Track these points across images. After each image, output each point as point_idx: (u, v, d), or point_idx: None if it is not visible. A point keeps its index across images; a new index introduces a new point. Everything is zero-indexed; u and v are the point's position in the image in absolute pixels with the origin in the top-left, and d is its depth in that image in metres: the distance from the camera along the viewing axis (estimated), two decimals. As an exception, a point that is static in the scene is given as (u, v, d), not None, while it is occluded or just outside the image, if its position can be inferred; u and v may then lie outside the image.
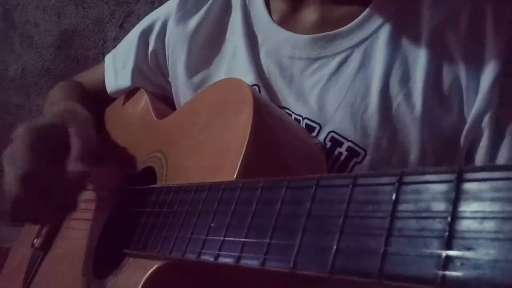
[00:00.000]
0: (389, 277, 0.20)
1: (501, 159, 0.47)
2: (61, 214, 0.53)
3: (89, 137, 0.55)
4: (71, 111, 0.60)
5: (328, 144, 0.51)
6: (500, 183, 0.18)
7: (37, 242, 0.66)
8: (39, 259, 0.67)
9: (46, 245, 0.66)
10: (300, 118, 0.53)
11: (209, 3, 0.64)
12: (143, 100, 0.71)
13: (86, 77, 0.83)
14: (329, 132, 0.51)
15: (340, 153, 0.50)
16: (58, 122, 0.54)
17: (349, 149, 0.50)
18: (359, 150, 0.50)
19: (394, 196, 0.21)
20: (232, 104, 0.48)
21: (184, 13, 0.65)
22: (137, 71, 0.71)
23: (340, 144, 0.50)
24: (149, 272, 0.42)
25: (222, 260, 0.32)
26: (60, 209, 0.52)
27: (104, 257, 0.55)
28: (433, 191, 0.20)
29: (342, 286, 0.24)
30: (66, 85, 0.80)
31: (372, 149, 0.49)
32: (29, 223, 0.63)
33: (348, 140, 0.50)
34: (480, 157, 0.48)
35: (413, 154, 0.49)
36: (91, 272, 0.55)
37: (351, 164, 0.50)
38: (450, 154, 0.49)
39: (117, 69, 0.74)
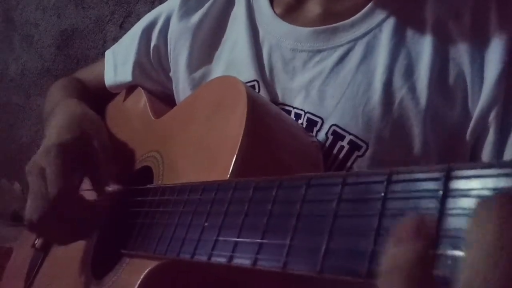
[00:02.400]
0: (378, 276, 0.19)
1: (507, 156, 0.46)
2: (78, 239, 0.55)
3: (108, 147, 0.58)
4: (85, 118, 0.61)
5: (330, 137, 0.50)
6: (488, 180, 0.18)
7: (37, 242, 0.66)
8: (40, 260, 0.68)
9: (47, 246, 0.67)
10: (302, 113, 0.53)
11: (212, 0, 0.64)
12: (141, 99, 0.71)
13: (86, 74, 0.83)
14: (331, 126, 0.51)
15: (342, 147, 0.50)
16: (80, 135, 0.56)
17: (350, 142, 0.49)
18: (361, 144, 0.49)
19: (383, 194, 0.21)
20: (226, 103, 0.48)
21: (187, 9, 0.65)
22: (138, 66, 0.71)
23: (342, 137, 0.50)
24: (145, 272, 0.42)
25: (215, 259, 0.32)
26: (80, 234, 0.54)
27: (103, 257, 0.55)
28: (422, 189, 0.20)
29: (334, 284, 0.24)
30: (66, 82, 0.80)
31: (374, 142, 0.49)
32: (47, 240, 0.65)
33: (350, 134, 0.50)
34: (486, 153, 0.47)
35: (416, 148, 0.48)
36: (90, 272, 0.55)
37: (352, 157, 0.49)
38: (454, 149, 0.48)
39: (117, 63, 0.74)
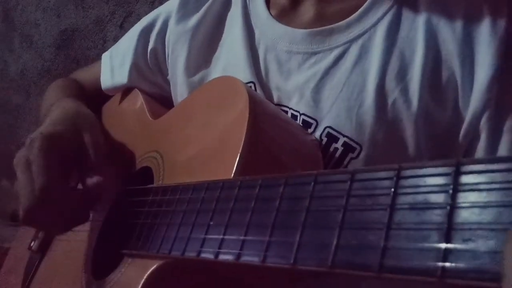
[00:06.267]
0: (390, 270, 0.20)
1: None
2: (73, 226, 0.54)
3: (100, 143, 0.56)
4: (79, 114, 0.60)
5: (324, 139, 0.51)
6: (497, 175, 0.18)
7: (34, 244, 0.66)
8: (37, 262, 0.67)
9: (44, 248, 0.66)
10: (298, 114, 0.53)
11: (209, 1, 0.64)
12: (138, 100, 0.71)
13: (83, 75, 0.83)
14: (325, 128, 0.51)
15: (336, 149, 0.50)
16: (72, 129, 0.55)
17: (344, 144, 0.50)
18: (355, 146, 0.49)
19: (392, 190, 0.21)
20: (227, 103, 0.48)
21: (185, 12, 0.65)
22: (134, 68, 0.71)
23: (336, 139, 0.50)
24: (148, 272, 0.42)
25: (222, 257, 0.31)
26: (74, 222, 0.53)
27: (103, 258, 0.55)
28: (431, 184, 0.20)
29: (344, 279, 0.24)
30: (63, 83, 0.80)
31: (368, 144, 0.49)
32: (41, 231, 0.64)
33: (344, 136, 0.50)
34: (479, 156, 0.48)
35: (409, 150, 0.49)
36: (90, 273, 0.55)
37: (346, 159, 0.50)
38: (446, 152, 0.49)
39: (114, 66, 0.74)
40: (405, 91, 0.48)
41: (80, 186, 0.55)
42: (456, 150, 0.48)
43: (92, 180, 0.52)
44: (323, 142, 0.51)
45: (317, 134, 0.51)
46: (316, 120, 0.52)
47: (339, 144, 0.50)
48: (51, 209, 0.49)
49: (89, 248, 0.58)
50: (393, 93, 0.48)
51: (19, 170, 0.49)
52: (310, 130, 0.52)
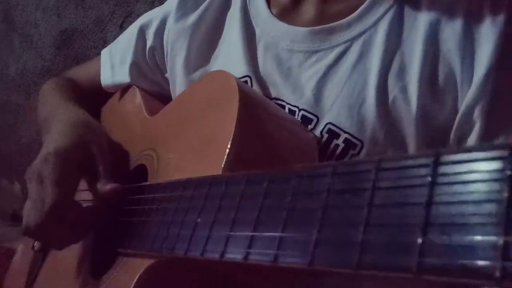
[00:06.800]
0: (366, 267, 0.19)
1: None
2: (73, 243, 0.56)
3: (107, 154, 0.58)
4: (85, 125, 0.60)
5: (325, 136, 0.51)
6: (477, 165, 0.17)
7: (36, 244, 0.66)
8: (40, 261, 0.68)
9: (46, 248, 0.67)
10: (296, 110, 0.53)
11: (208, 0, 0.63)
12: (136, 98, 0.71)
13: (80, 73, 0.82)
14: (326, 124, 0.51)
15: (337, 145, 0.50)
16: (81, 143, 0.56)
17: (346, 141, 0.50)
18: (356, 142, 0.49)
19: (372, 183, 0.20)
20: (219, 98, 0.47)
21: (184, 11, 0.65)
22: (135, 67, 0.71)
23: (337, 136, 0.50)
24: (141, 271, 0.42)
25: (207, 255, 0.31)
26: (75, 240, 0.55)
27: (102, 257, 0.55)
28: (411, 176, 0.19)
29: (344, 278, 0.23)
30: (60, 82, 0.79)
31: (369, 141, 0.49)
32: (44, 245, 0.66)
33: (345, 132, 0.50)
34: None
35: (410, 147, 0.48)
36: (88, 271, 0.55)
37: (348, 156, 0.50)
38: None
39: (114, 63, 0.74)
40: (404, 90, 0.48)
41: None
42: (447, 145, 0.48)
43: (102, 194, 0.54)
44: (324, 138, 0.51)
45: (318, 130, 0.51)
46: (317, 117, 0.52)
47: (340, 141, 0.50)
48: (59, 226, 0.51)
49: (88, 247, 0.58)
50: (393, 91, 0.48)
51: (32, 185, 0.51)
52: (310, 126, 0.52)
